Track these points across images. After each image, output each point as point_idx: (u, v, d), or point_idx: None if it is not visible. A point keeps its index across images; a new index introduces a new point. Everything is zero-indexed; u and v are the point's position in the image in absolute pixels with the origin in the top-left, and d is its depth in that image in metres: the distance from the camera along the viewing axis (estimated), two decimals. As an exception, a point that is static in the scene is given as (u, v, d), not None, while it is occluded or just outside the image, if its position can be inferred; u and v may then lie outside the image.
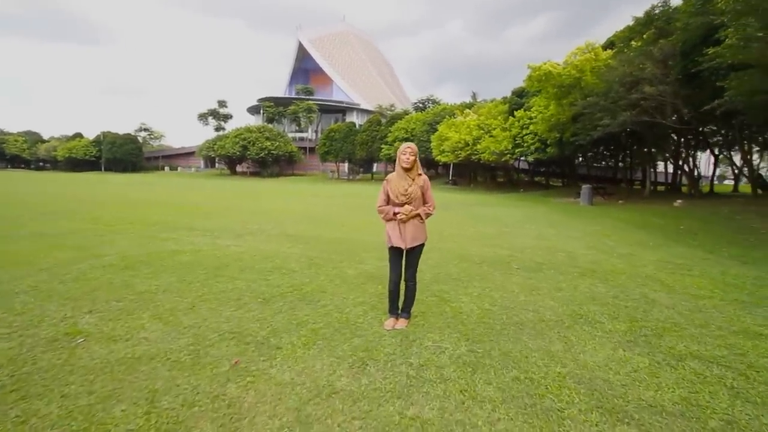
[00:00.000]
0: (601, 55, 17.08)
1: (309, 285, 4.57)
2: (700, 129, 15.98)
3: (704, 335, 3.41)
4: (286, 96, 79.93)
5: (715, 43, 9.68)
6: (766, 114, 8.66)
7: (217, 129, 67.09)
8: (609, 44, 18.48)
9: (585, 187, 17.38)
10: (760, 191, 13.83)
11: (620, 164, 30.31)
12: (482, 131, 29.43)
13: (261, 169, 56.99)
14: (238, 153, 54.33)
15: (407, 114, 48.82)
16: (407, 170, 3.25)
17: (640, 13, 14.07)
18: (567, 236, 8.83)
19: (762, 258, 6.74)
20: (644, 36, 14.20)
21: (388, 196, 3.38)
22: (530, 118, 24.58)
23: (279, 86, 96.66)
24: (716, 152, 18.50)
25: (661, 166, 26.15)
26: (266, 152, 53.96)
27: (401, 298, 3.53)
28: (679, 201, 13.91)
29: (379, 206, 3.41)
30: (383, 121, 50.05)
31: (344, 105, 77.93)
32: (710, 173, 23.73)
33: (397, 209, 3.27)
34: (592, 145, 20.91)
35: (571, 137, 18.21)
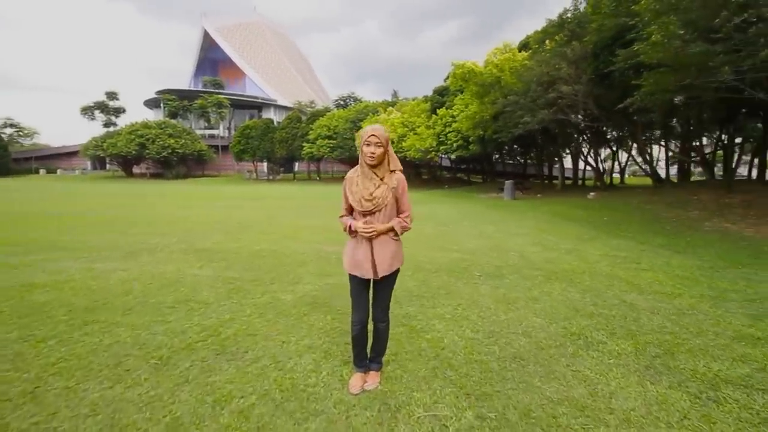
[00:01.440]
0: (518, 56, 17.81)
1: (230, 325, 3.32)
2: (603, 128, 17.55)
3: (710, 347, 3.00)
4: (192, 89, 72.57)
5: (626, 44, 10.34)
6: (672, 111, 9.57)
7: (107, 125, 58.07)
8: (523, 45, 19.44)
9: (508, 183, 18.02)
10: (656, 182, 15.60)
11: (530, 160, 32.83)
12: (407, 129, 29.44)
13: (164, 170, 50.71)
14: (134, 152, 47.46)
15: (329, 111, 47.37)
16: (374, 167, 2.26)
17: (552, 16, 14.90)
18: (508, 233, 8.61)
19: (686, 245, 7.10)
20: (556, 38, 15.00)
21: (347, 204, 2.36)
22: (452, 117, 25.08)
23: (182, 78, 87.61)
24: (613, 148, 20.77)
25: (566, 161, 28.72)
26: (170, 151, 48.05)
27: (369, 343, 2.54)
28: (592, 194, 15.05)
29: (340, 216, 2.38)
30: (303, 118, 47.94)
31: (260, 101, 73.32)
32: (610, 168, 26.76)
33: (354, 223, 2.27)
34: (503, 143, 21.98)
35: (493, 135, 18.76)
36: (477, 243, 7.32)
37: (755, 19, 5.93)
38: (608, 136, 19.55)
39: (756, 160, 15.00)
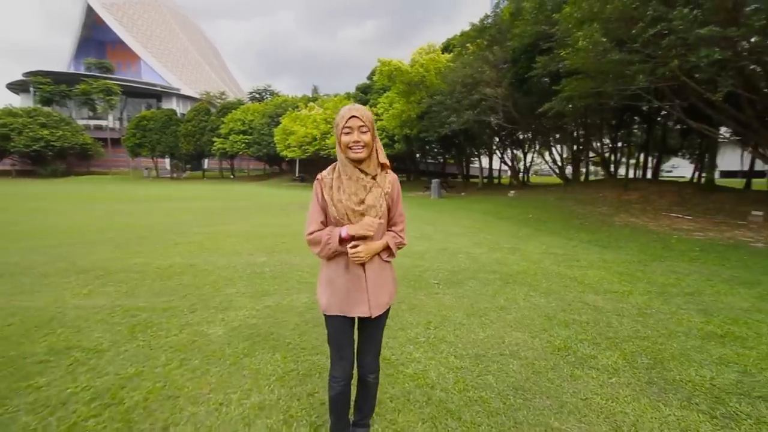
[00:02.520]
0: (441, 57, 18.18)
1: (137, 384, 2.37)
2: (518, 130, 18.82)
3: (688, 351, 2.95)
4: (72, 72, 61.86)
5: (543, 52, 10.97)
6: (586, 116, 10.48)
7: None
8: (445, 48, 19.95)
9: (434, 182, 18.34)
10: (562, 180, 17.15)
11: (449, 159, 34.30)
12: (330, 126, 28.53)
13: (37, 167, 42.35)
14: (-8, 144, 38.78)
15: (242, 104, 44.03)
16: (361, 162, 1.61)
17: (467, 22, 15.52)
18: (448, 233, 8.47)
19: (608, 240, 7.63)
20: (478, 42, 15.57)
21: (325, 213, 1.67)
22: (377, 115, 24.90)
23: (59, 59, 74.54)
24: (524, 149, 22.60)
25: (478, 161, 30.53)
26: (43, 144, 40.24)
27: (353, 400, 1.90)
28: (512, 192, 16.00)
29: (310, 233, 1.67)
30: (213, 110, 43.89)
31: (159, 89, 65.50)
32: (522, 167, 29.02)
33: (345, 231, 1.59)
34: (428, 142, 22.50)
35: (419, 134, 18.93)
36: (422, 246, 6.98)
37: (667, 32, 6.59)
38: (522, 138, 21.11)
39: (642, 161, 17.36)
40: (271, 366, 2.63)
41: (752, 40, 6.27)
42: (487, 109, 14.81)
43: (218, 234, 7.89)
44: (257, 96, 50.56)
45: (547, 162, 19.52)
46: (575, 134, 17.74)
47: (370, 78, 28.52)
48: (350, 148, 1.55)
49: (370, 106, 26.30)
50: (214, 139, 38.83)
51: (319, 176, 1.70)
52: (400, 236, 1.75)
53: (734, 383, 2.49)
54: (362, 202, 1.60)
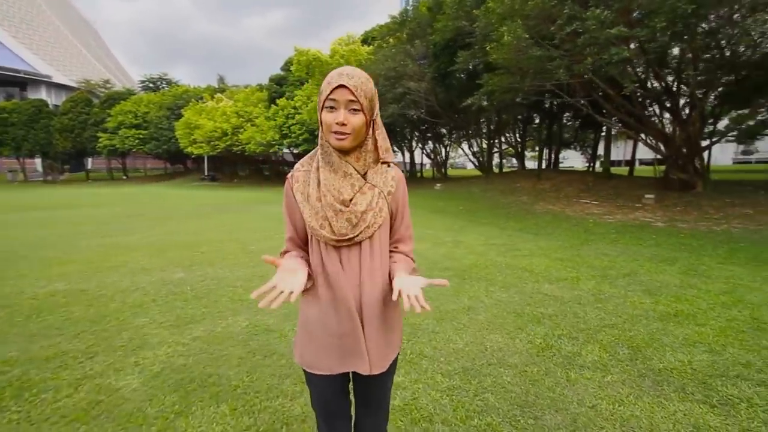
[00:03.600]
0: (361, 49, 17.81)
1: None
2: (439, 124, 19.36)
3: (657, 335, 3.00)
4: None
5: (464, 47, 11.24)
6: (500, 111, 11.03)
7: None
8: (364, 40, 19.61)
9: (360, 177, 17.99)
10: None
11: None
12: (242, 119, 26.40)
13: None
14: None
15: (133, 94, 38.63)
16: (347, 153, 1.09)
17: (393, 13, 15.39)
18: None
19: (537, 228, 8.04)
20: (398, 35, 15.52)
21: (294, 227, 1.19)
22: (295, 108, 23.67)
23: None
24: (445, 142, 23.46)
25: (401, 154, 31.04)
26: None
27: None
28: (438, 185, 16.37)
29: (282, 253, 1.21)
30: (95, 101, 37.83)
31: (22, 76, 54.56)
32: (443, 160, 30.11)
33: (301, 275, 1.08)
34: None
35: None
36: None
37: (582, 31, 7.08)
38: (442, 131, 21.81)
39: (546, 153, 19.15)
40: (218, 426, 1.98)
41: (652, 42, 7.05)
42: (410, 103, 14.85)
43: (116, 247, 6.51)
44: (151, 85, 44.66)
45: (467, 155, 20.52)
46: (490, 128, 18.87)
47: (285, 69, 26.99)
48: (333, 132, 1.03)
49: (287, 98, 24.91)
50: (99, 134, 33.44)
51: (290, 175, 1.17)
52: (413, 259, 1.24)
53: (710, 364, 2.53)
54: (349, 201, 1.09)
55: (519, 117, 17.98)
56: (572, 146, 22.75)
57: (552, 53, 7.59)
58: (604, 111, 10.33)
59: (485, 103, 10.70)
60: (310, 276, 1.12)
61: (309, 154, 1.19)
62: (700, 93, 9.02)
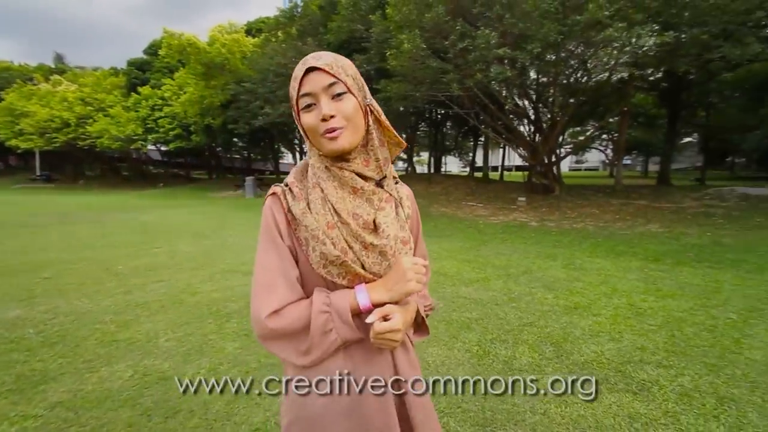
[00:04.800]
0: (245, 40, 16.46)
1: None
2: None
3: (568, 329, 3.29)
4: None
5: (361, 50, 11.25)
6: (399, 119, 11.36)
7: None
8: (247, 31, 18.14)
9: (249, 180, 16.63)
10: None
11: (254, 156, 32.11)
12: (91, 108, 21.85)
13: None
14: None
15: None
16: (347, 160, 0.80)
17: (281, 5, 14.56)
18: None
19: (436, 230, 8.45)
20: (288, 30, 14.78)
21: (297, 263, 0.81)
22: (163, 99, 20.61)
23: None
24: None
25: (292, 157, 29.85)
26: None
27: None
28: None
29: (274, 311, 0.75)
30: None
31: None
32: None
33: (366, 296, 0.78)
34: (236, 135, 20.31)
35: (223, 124, 16.66)
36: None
37: (472, 48, 7.68)
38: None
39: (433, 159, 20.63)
40: None
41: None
42: (303, 103, 14.26)
43: None
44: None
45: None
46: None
47: (150, 52, 23.32)
48: (323, 135, 0.76)
49: (152, 88, 21.55)
50: None
51: (275, 188, 0.83)
52: (428, 296, 1.05)
53: (617, 353, 2.84)
54: (374, 228, 0.81)
55: (408, 125, 18.95)
56: (453, 152, 25.10)
57: (446, 66, 8.12)
58: (483, 122, 11.52)
59: (384, 108, 10.89)
60: None
61: (295, 170, 0.87)
62: (557, 112, 10.78)
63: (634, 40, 6.64)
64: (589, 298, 4.03)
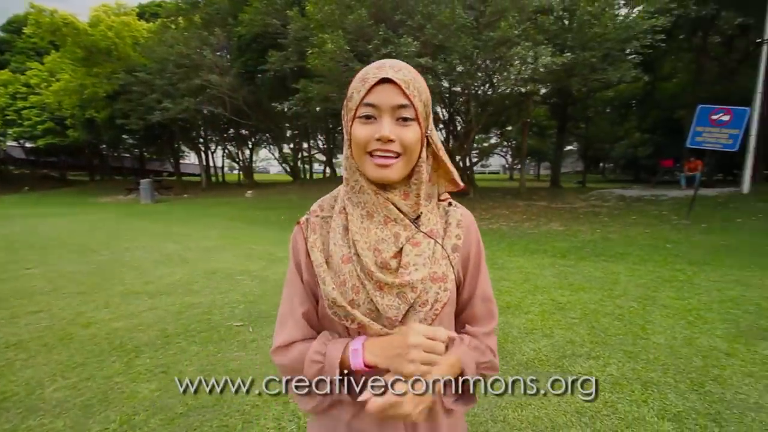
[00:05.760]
0: (138, 24, 14.52)
1: None
2: (238, 124, 17.82)
3: (506, 328, 3.44)
4: None
5: (277, 46, 10.67)
6: (320, 120, 10.93)
7: None
8: (141, 13, 15.99)
9: (144, 182, 14.61)
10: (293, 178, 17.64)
11: (149, 155, 28.59)
12: None
13: None
14: None
15: None
16: (389, 188, 0.69)
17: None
18: (202, 249, 6.81)
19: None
20: (190, 17, 13.41)
21: (315, 297, 0.72)
22: (28, 85, 17.15)
23: None
24: (250, 145, 21.69)
25: (197, 157, 27.16)
26: None
27: None
28: (249, 192, 14.84)
29: (282, 345, 0.71)
30: None
31: None
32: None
33: (360, 354, 0.65)
34: (127, 131, 17.78)
35: (120, 119, 14.43)
36: (178, 273, 5.20)
37: (395, 54, 7.74)
38: (245, 133, 20.16)
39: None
40: None
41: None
42: (211, 99, 13.07)
43: None
44: None
45: (277, 159, 19.64)
46: (297, 133, 18.75)
47: (10, 29, 19.21)
48: (371, 154, 0.65)
49: (13, 72, 17.75)
50: None
51: (303, 218, 0.75)
52: (490, 348, 0.82)
53: (552, 349, 3.03)
54: (396, 266, 0.68)
55: (328, 127, 18.62)
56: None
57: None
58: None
59: (304, 109, 10.46)
60: None
61: (330, 194, 0.76)
62: (470, 121, 11.54)
63: (537, 58, 7.41)
64: (517, 296, 4.29)
